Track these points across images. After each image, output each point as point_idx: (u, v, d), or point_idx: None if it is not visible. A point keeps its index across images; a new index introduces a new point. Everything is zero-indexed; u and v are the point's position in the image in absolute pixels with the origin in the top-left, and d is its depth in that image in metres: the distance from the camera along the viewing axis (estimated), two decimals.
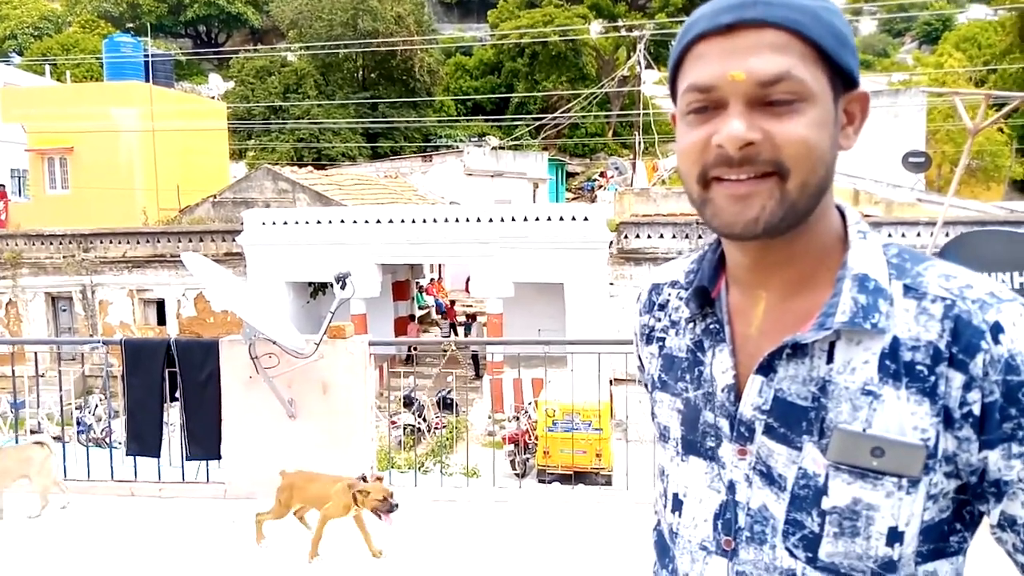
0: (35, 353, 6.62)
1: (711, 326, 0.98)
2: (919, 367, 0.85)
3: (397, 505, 3.97)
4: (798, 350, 0.90)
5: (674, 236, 17.89)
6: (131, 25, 44.84)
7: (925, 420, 0.85)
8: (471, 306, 24.30)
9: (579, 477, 11.27)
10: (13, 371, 6.03)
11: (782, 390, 0.90)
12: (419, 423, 15.48)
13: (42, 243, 21.17)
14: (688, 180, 0.91)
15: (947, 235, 13.13)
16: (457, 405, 16.56)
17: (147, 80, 26.71)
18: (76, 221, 22.23)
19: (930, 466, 0.85)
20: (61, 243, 21.00)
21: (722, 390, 0.95)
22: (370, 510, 4.00)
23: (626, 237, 18.15)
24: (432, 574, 4.14)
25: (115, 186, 24.59)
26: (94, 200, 24.49)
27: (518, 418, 14.90)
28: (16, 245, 21.34)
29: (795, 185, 0.85)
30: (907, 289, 0.88)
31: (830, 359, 0.89)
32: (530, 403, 14.75)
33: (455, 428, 15.17)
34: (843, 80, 0.89)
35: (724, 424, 0.95)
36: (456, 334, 22.43)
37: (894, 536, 0.87)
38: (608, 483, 11.79)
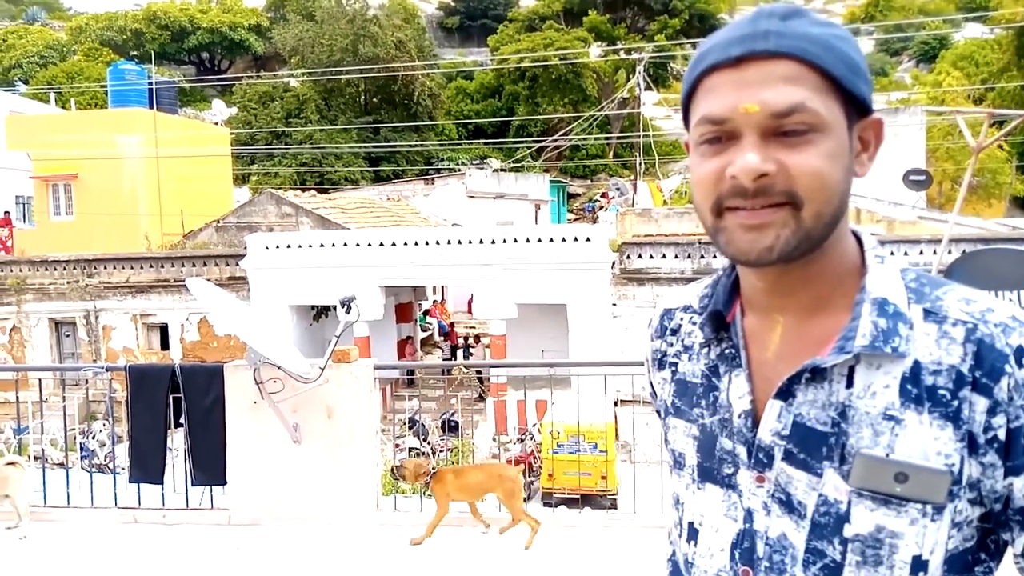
0: (39, 379, 6.60)
1: (726, 351, 0.97)
2: (941, 391, 0.84)
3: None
4: (817, 374, 0.89)
5: (676, 256, 17.90)
6: (135, 53, 45.31)
7: (949, 445, 0.84)
8: (473, 327, 24.27)
9: (584, 500, 11.16)
10: (17, 397, 6.01)
11: (801, 415, 0.89)
12: (423, 446, 15.40)
13: (46, 269, 21.24)
14: (702, 210, 0.91)
15: (949, 252, 13.11)
16: (461, 428, 16.48)
17: (151, 107, 26.94)
18: (80, 247, 22.30)
19: (955, 492, 0.84)
20: (65, 269, 21.05)
21: (739, 416, 0.94)
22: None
23: (628, 257, 18.15)
24: None
25: (119, 212, 24.71)
26: (98, 226, 24.59)
27: (522, 440, 14.82)
28: (20, 271, 21.40)
29: (809, 215, 0.85)
30: (927, 313, 0.88)
31: (849, 383, 0.88)
32: (534, 425, 14.67)
33: (460, 451, 15.08)
34: (857, 107, 0.89)
35: (741, 451, 0.94)
36: (456, 357, 22.38)
37: (918, 565, 0.85)
38: (613, 506, 11.69)
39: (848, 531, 0.86)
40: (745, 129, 0.85)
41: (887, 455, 0.84)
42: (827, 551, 0.87)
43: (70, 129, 26.46)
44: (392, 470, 4.78)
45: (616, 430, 14.37)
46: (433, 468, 4.83)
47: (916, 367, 0.86)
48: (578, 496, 11.09)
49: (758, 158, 0.84)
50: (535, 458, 13.78)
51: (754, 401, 0.93)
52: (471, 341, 22.62)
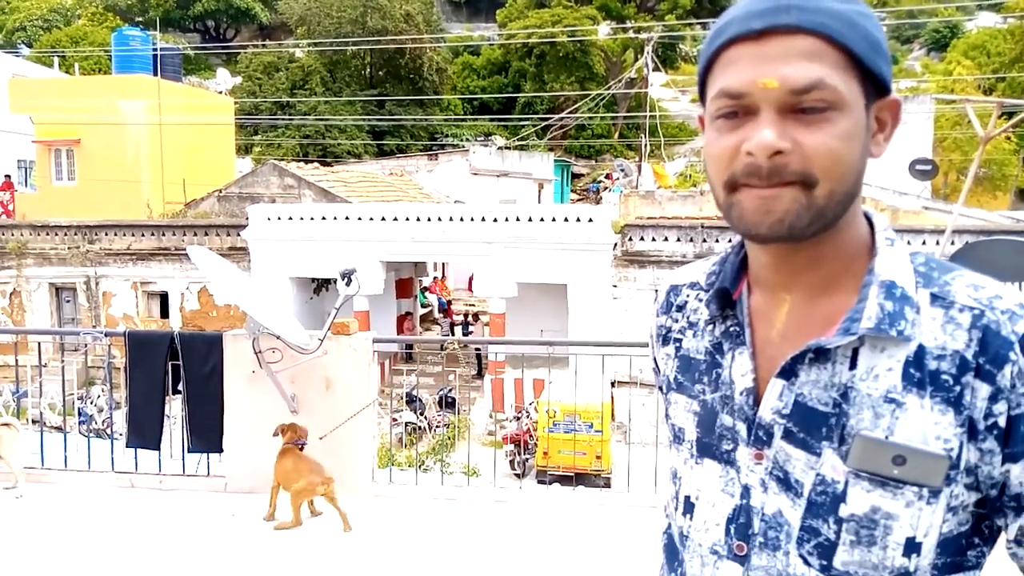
0: (38, 343, 6.62)
1: (731, 328, 0.97)
2: (944, 376, 0.84)
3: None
4: (821, 355, 0.89)
5: (679, 239, 17.88)
6: (140, 18, 44.96)
7: (949, 430, 0.84)
8: (473, 305, 24.29)
9: (579, 479, 11.23)
10: (16, 360, 6.03)
11: (803, 395, 0.89)
12: (420, 421, 15.49)
13: (47, 234, 21.22)
14: (715, 185, 0.90)
15: (952, 243, 13.09)
16: (458, 404, 16.55)
17: (155, 74, 26.72)
18: (82, 213, 22.25)
19: (952, 477, 0.84)
20: (66, 234, 21.03)
21: (740, 393, 0.94)
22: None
23: (630, 239, 18.13)
24: (432, 572, 4.13)
25: (121, 179, 24.62)
26: (100, 192, 24.52)
27: (519, 418, 14.89)
28: (22, 235, 21.38)
29: (823, 193, 0.85)
30: (934, 298, 0.87)
31: (853, 365, 0.88)
32: (531, 403, 14.75)
33: (456, 427, 15.16)
34: (875, 86, 0.88)
35: (741, 428, 0.94)
36: (454, 334, 22.44)
37: (911, 547, 0.86)
38: (607, 485, 11.77)
39: (844, 511, 0.86)
40: (763, 105, 0.84)
41: (886, 437, 0.85)
42: (822, 530, 0.88)
43: (73, 94, 26.27)
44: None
45: (612, 411, 14.43)
46: (300, 443, 4.64)
47: (920, 351, 0.85)
48: (572, 475, 11.17)
49: (774, 135, 0.83)
50: (531, 436, 13.87)
51: (756, 379, 0.93)
52: (470, 319, 22.66)
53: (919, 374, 0.85)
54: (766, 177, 0.84)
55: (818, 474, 0.88)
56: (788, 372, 0.90)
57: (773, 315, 0.95)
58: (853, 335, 0.86)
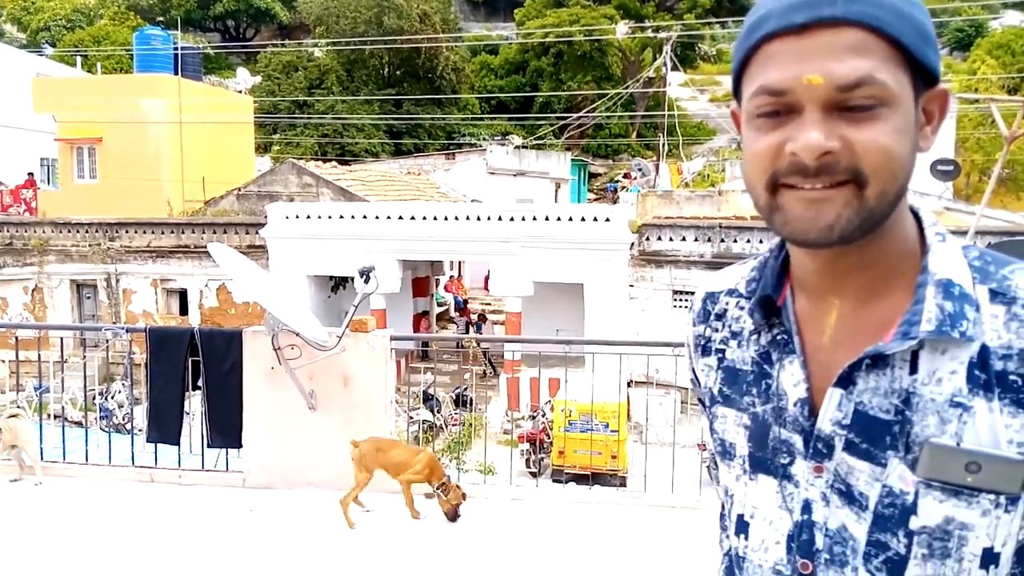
0: (60, 339, 6.70)
1: (778, 336, 0.92)
2: (1012, 376, 0.80)
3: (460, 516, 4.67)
4: (879, 361, 0.84)
5: (696, 239, 17.79)
6: (161, 18, 45.35)
7: (1022, 433, 0.80)
8: (489, 304, 24.30)
9: (594, 478, 11.19)
10: (39, 356, 6.11)
11: (863, 403, 0.85)
12: (436, 419, 15.53)
13: (69, 231, 21.48)
14: (755, 187, 0.85)
15: (974, 244, 12.94)
16: (474, 402, 16.58)
17: (176, 73, 26.94)
18: (103, 210, 22.50)
19: None
20: (88, 231, 21.28)
21: (794, 404, 0.89)
22: (444, 507, 4.60)
23: (647, 239, 18.07)
24: (449, 569, 4.13)
25: (142, 177, 24.85)
26: (121, 190, 24.76)
27: (534, 417, 14.89)
28: (44, 232, 21.66)
29: (874, 193, 0.80)
30: (993, 294, 0.83)
31: (913, 370, 0.83)
32: (547, 402, 14.74)
33: (471, 425, 15.18)
34: (924, 78, 0.83)
35: (798, 440, 0.89)
36: (468, 333, 22.46)
37: (989, 558, 0.82)
38: (623, 485, 11.74)
39: (914, 523, 0.82)
40: (807, 103, 0.79)
41: (957, 444, 0.80)
42: (891, 544, 0.84)
43: (96, 93, 26.53)
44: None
45: (628, 411, 14.39)
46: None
47: (984, 352, 0.81)
48: (588, 474, 11.15)
49: (822, 135, 0.78)
50: (546, 435, 13.85)
51: (810, 388, 0.89)
52: (478, 319, 22.67)
53: (985, 376, 0.81)
54: (814, 175, 0.80)
55: (884, 486, 0.84)
56: (846, 380, 0.85)
57: (822, 321, 0.90)
58: (913, 339, 0.81)
